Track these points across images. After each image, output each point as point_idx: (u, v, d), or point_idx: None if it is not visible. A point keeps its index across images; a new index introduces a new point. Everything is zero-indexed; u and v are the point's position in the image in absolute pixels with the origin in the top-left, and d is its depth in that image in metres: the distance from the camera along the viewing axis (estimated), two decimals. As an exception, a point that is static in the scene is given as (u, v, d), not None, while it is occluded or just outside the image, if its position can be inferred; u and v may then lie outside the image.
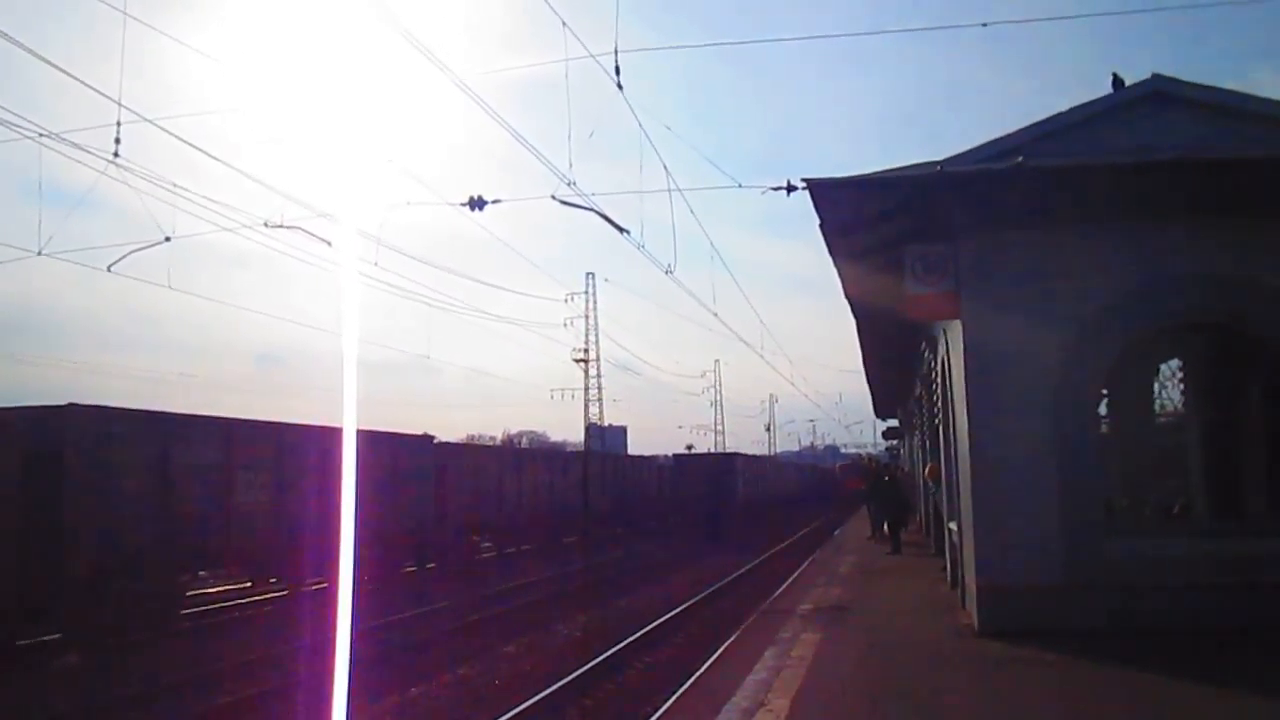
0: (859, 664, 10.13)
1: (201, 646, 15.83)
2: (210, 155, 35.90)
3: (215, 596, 21.91)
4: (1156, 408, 12.44)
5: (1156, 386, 12.34)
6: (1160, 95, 11.12)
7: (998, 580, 10.99)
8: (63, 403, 15.99)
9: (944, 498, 16.81)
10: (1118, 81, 11.63)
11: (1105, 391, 11.76)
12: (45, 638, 15.47)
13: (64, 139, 14.30)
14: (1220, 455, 11.43)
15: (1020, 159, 10.35)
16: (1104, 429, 11.92)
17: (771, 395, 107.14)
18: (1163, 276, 11.06)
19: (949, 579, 15.54)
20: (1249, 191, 10.68)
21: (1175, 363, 12.04)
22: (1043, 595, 10.71)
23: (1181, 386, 12.05)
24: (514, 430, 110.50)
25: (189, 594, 19.51)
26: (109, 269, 17.57)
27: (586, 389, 73.15)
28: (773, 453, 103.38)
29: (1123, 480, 11.82)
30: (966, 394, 11.38)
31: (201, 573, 20.94)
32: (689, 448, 79.68)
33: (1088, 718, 7.87)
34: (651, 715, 9.35)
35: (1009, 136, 11.04)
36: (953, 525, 14.67)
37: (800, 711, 7.98)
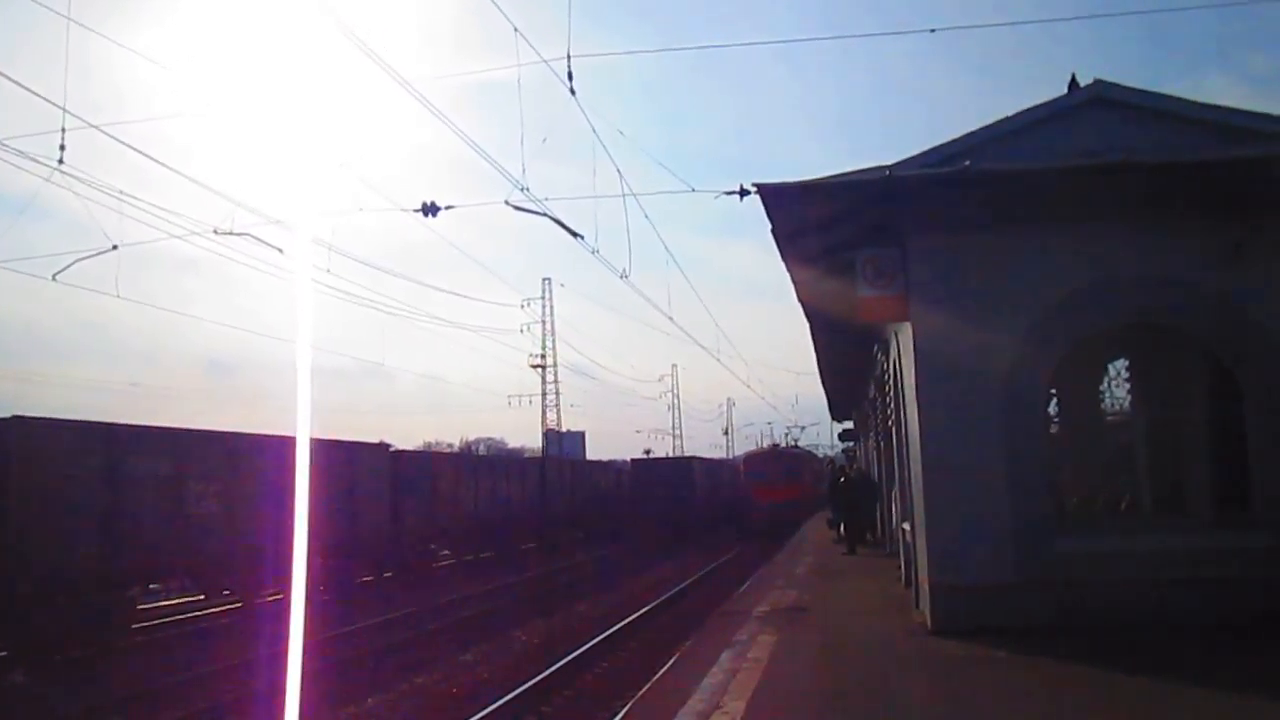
0: (814, 665, 10.21)
1: (153, 661, 15.60)
2: (158, 162, 35.49)
3: (167, 610, 21.58)
4: (1105, 406, 12.67)
5: (1104, 385, 12.56)
6: (1102, 100, 11.34)
7: (950, 579, 11.13)
8: (7, 415, 15.70)
9: (896, 498, 16.98)
10: (1074, 84, 11.84)
11: (1054, 391, 11.96)
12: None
13: (6, 145, 14.05)
14: (1166, 453, 11.67)
15: (967, 163, 10.50)
16: (1053, 428, 12.11)
17: (729, 399, 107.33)
18: (1107, 278, 11.26)
19: (903, 579, 15.70)
20: (1189, 194, 10.92)
21: (1122, 362, 12.27)
22: (995, 593, 10.86)
23: (1128, 385, 12.28)
24: (471, 437, 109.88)
25: (140, 608, 19.20)
26: (54, 277, 17.32)
27: (544, 394, 72.96)
28: (731, 456, 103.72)
29: (1072, 478, 12.02)
30: (917, 395, 11.52)
31: (153, 586, 20.64)
32: (647, 452, 79.74)
33: (1040, 714, 7.98)
34: (609, 720, 9.38)
35: (956, 141, 11.19)
36: (906, 525, 14.83)
37: (755, 713, 8.02)
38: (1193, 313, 11.18)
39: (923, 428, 11.43)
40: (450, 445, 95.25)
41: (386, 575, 27.28)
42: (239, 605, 20.85)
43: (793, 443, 62.42)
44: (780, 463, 48.87)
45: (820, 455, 69.45)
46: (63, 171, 13.67)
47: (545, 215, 14.17)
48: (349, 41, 11.57)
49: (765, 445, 59.85)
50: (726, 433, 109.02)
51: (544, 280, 71.82)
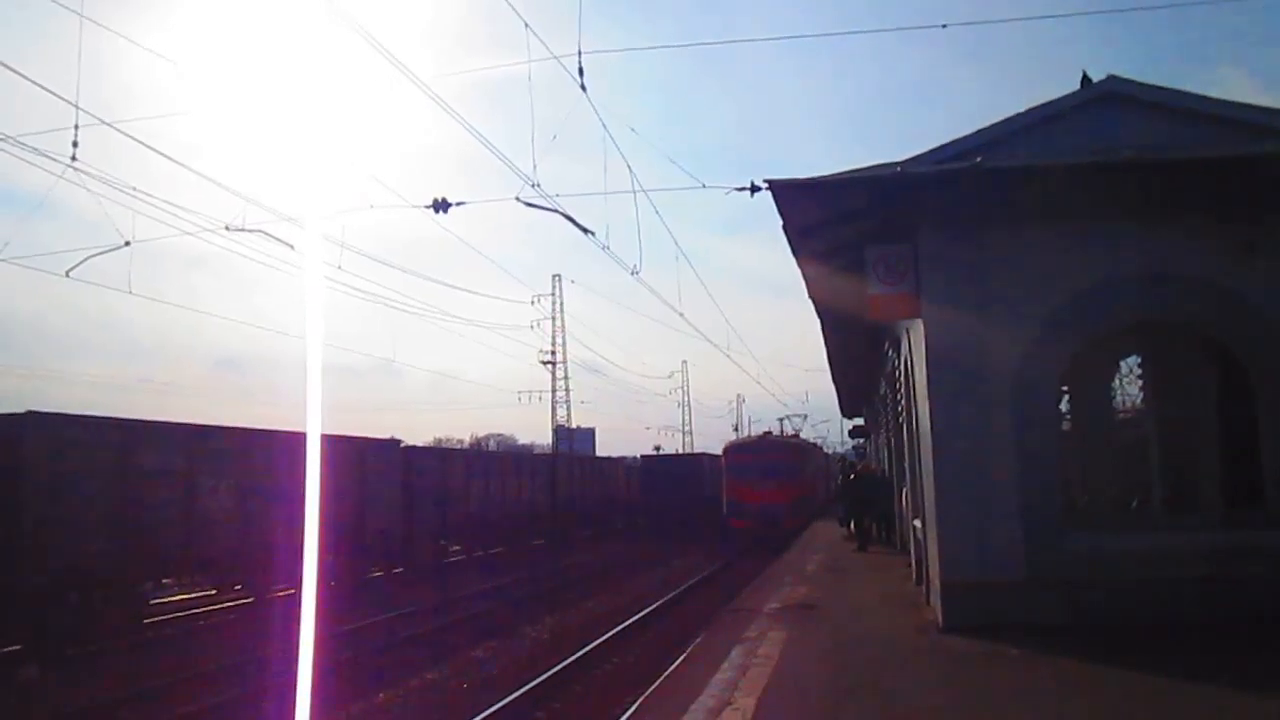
0: (824, 661, 10.20)
1: (165, 656, 15.65)
2: (170, 158, 35.61)
3: (179, 605, 21.66)
4: (1116, 404, 12.61)
5: (1116, 383, 12.50)
6: (1115, 96, 11.29)
7: (961, 576, 11.11)
8: (21, 410, 15.78)
9: (907, 495, 16.94)
10: (1085, 80, 11.81)
11: (1065, 388, 11.91)
12: (4, 649, 15.23)
13: (20, 142, 14.11)
14: (1177, 451, 11.62)
15: (979, 159, 10.47)
16: (1064, 425, 12.06)
17: (739, 395, 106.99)
18: (1119, 275, 11.22)
19: (914, 576, 15.68)
20: (1202, 191, 10.87)
21: (1134, 359, 12.21)
22: (1005, 590, 10.83)
23: (1140, 383, 12.22)
24: (482, 433, 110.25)
25: (152, 602, 19.30)
26: (67, 274, 17.38)
27: (554, 391, 72.92)
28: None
29: (1083, 476, 11.97)
30: (928, 392, 11.50)
31: (165, 581, 20.71)
32: (657, 448, 79.70)
33: (1051, 712, 7.96)
34: (619, 717, 9.39)
35: (968, 137, 11.16)
36: (917, 522, 14.80)
37: (766, 709, 8.03)
38: (1206, 310, 11.14)
39: (934, 425, 11.41)
40: (461, 441, 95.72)
41: (397, 570, 27.35)
42: (250, 600, 20.93)
43: (793, 432, 51.44)
44: (773, 455, 37.75)
45: (828, 450, 65.90)
46: (75, 168, 13.74)
47: (556, 211, 14.18)
48: (360, 38, 11.59)
49: (760, 438, 43.62)
50: (736, 429, 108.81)
51: (554, 276, 71.78)
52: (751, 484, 36.13)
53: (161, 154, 24.29)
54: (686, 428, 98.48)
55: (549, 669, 12.96)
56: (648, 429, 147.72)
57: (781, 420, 58.72)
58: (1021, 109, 11.37)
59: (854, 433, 45.44)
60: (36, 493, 15.37)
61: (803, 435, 53.55)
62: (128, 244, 16.77)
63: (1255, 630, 9.86)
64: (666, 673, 10.24)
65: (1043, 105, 11.39)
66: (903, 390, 16.06)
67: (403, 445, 29.31)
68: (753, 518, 35.10)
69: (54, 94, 13.02)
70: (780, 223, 11.71)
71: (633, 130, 48.32)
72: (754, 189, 11.57)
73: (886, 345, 18.61)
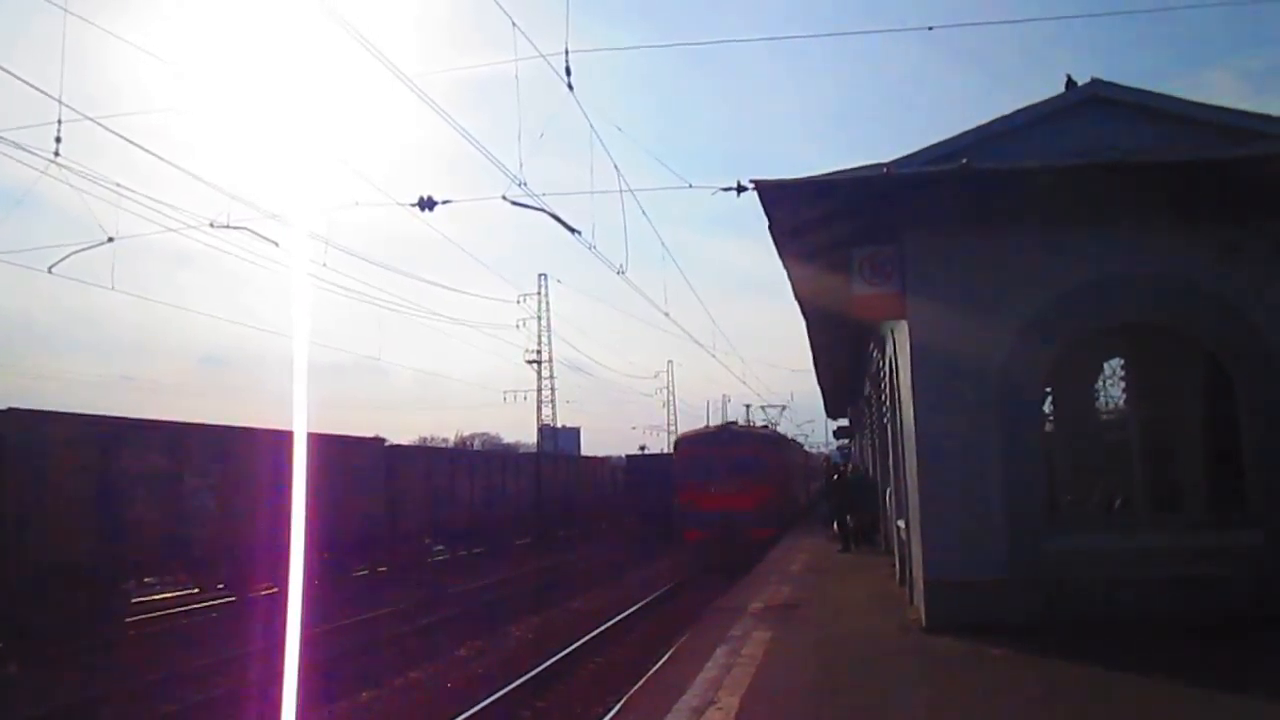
0: (808, 661, 10.22)
1: (147, 655, 15.57)
2: (154, 154, 35.40)
3: (161, 604, 21.56)
4: (1100, 405, 12.69)
5: (1099, 384, 12.58)
6: (1100, 99, 11.35)
7: (944, 576, 11.14)
8: (2, 408, 15.66)
9: (891, 495, 16.99)
10: (1070, 84, 11.87)
11: (1049, 389, 11.97)
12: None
13: (2, 138, 13.99)
14: (1159, 452, 11.68)
15: (964, 161, 10.50)
16: (1048, 426, 12.12)
17: (724, 395, 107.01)
18: (1103, 277, 11.28)
19: (898, 576, 15.72)
20: (1186, 194, 10.93)
21: (1117, 361, 12.29)
22: (989, 590, 10.87)
23: (1123, 384, 12.29)
24: (466, 432, 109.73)
25: (134, 601, 19.19)
26: (50, 270, 17.24)
27: (539, 390, 72.91)
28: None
29: (1066, 476, 12.03)
30: (913, 392, 11.54)
31: (147, 580, 20.61)
32: (642, 448, 79.59)
33: (1034, 710, 8.00)
34: (603, 716, 9.39)
35: (954, 139, 11.20)
36: (900, 523, 14.84)
37: (750, 708, 8.05)
38: (1188, 312, 11.20)
39: (918, 425, 11.44)
40: (445, 440, 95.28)
41: (381, 570, 27.29)
42: (233, 599, 20.84)
43: (770, 424, 44.19)
44: (736, 449, 30.19)
45: (810, 449, 64.71)
46: (58, 164, 13.62)
47: (542, 210, 14.15)
48: (346, 36, 11.56)
49: (721, 431, 32.95)
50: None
51: (540, 275, 71.88)
52: (709, 485, 29.27)
53: (145, 150, 24.24)
54: (672, 427, 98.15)
55: (533, 668, 12.95)
56: (633, 428, 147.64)
57: (749, 407, 50.75)
58: (1008, 111, 11.44)
59: (839, 433, 45.45)
60: (18, 491, 15.26)
61: (781, 429, 46.93)
62: (111, 240, 16.66)
63: (1236, 629, 9.93)
64: (650, 672, 10.24)
65: (1028, 108, 11.45)
66: (887, 390, 16.11)
67: (387, 444, 29.21)
68: (711, 528, 28.29)
69: (37, 89, 12.93)
70: (767, 223, 11.72)
71: (619, 129, 48.46)
72: (740, 189, 11.57)
73: (871, 346, 18.66)
